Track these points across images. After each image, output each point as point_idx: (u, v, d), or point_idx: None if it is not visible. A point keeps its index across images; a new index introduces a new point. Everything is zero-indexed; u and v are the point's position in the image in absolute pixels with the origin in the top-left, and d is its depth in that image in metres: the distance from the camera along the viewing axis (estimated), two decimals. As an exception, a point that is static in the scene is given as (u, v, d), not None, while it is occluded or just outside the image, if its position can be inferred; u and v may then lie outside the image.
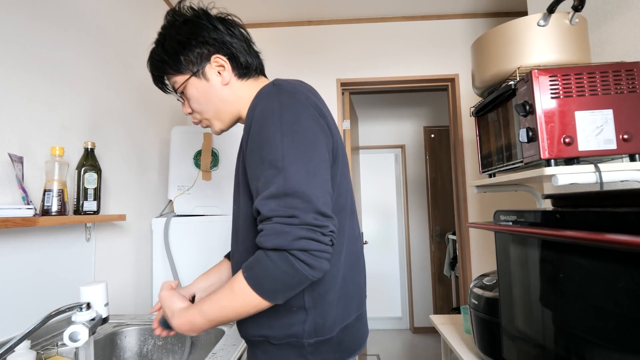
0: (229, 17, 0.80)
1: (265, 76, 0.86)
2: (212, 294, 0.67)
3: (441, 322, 1.40)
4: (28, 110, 1.07)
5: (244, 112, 0.80)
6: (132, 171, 1.62)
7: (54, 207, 1.05)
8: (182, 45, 0.76)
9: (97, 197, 1.21)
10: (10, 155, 0.98)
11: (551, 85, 0.94)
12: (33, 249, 1.06)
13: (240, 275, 0.62)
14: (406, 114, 4.01)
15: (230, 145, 1.70)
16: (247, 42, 0.81)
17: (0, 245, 0.96)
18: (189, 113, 0.83)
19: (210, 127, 0.83)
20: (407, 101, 3.99)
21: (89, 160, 1.20)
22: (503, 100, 1.13)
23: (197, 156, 1.69)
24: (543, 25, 1.05)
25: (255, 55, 0.82)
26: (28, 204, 0.98)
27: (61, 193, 1.07)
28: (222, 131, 0.84)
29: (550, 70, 0.95)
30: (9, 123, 1.01)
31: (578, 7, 1.00)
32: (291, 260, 0.58)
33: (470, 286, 1.11)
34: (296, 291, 0.62)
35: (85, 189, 1.19)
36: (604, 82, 0.93)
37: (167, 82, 0.83)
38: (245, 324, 0.73)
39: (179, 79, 0.79)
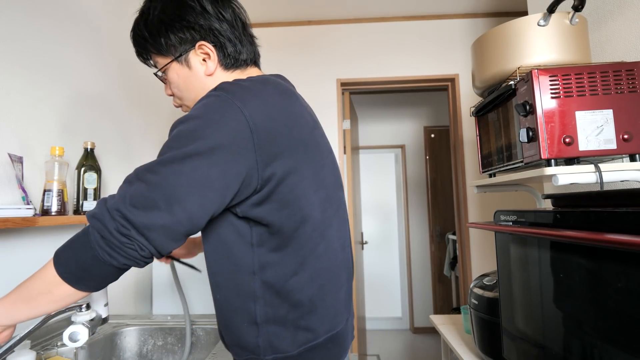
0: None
1: (257, 66, 0.78)
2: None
3: (441, 322, 1.40)
4: (28, 110, 1.07)
5: None
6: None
7: (54, 207, 1.05)
8: (164, 26, 0.68)
9: (97, 197, 1.21)
10: (10, 155, 0.98)
11: (551, 85, 0.94)
12: (33, 249, 1.06)
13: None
14: (406, 114, 4.00)
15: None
16: (241, 26, 0.73)
17: (0, 245, 0.96)
18: (170, 95, 0.77)
19: None
20: (407, 101, 3.99)
21: (89, 160, 1.20)
22: (503, 100, 1.13)
23: (197, 156, 1.69)
24: (543, 25, 1.05)
25: (248, 41, 0.74)
26: (28, 204, 0.98)
27: (61, 193, 1.07)
28: None
29: (551, 70, 0.95)
30: (9, 123, 1.01)
31: (578, 7, 1.00)
32: (88, 233, 0.54)
33: (470, 286, 1.11)
34: (94, 277, 0.55)
35: (85, 189, 1.19)
36: (604, 82, 0.93)
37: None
38: (224, 336, 0.71)
39: (161, 61, 0.72)
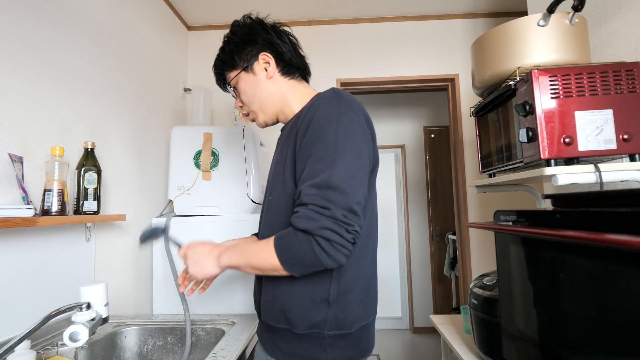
0: (282, 28, 0.93)
1: (308, 83, 0.95)
2: (249, 240, 0.81)
3: (441, 322, 1.40)
4: (28, 110, 1.07)
5: (286, 109, 0.90)
6: (132, 171, 1.61)
7: (54, 207, 1.05)
8: (236, 46, 0.89)
9: (97, 197, 1.21)
10: (10, 155, 0.98)
11: (551, 85, 0.94)
12: (33, 249, 1.06)
13: (272, 239, 0.74)
14: (406, 114, 4.00)
15: (230, 145, 1.70)
16: (295, 47, 0.93)
17: (0, 245, 0.96)
18: (240, 107, 0.94)
19: (255, 120, 0.94)
20: (407, 101, 3.99)
21: (89, 160, 1.20)
22: (503, 100, 1.13)
23: (197, 156, 1.69)
24: (543, 25, 1.05)
25: (301, 58, 0.93)
26: (28, 204, 0.98)
27: (61, 193, 1.07)
28: (266, 124, 0.94)
29: (550, 70, 0.95)
30: (9, 123, 1.01)
31: (578, 7, 1.00)
32: (313, 243, 0.68)
33: (470, 286, 1.11)
34: (310, 270, 0.72)
35: (85, 189, 1.19)
36: (604, 82, 0.93)
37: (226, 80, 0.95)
38: (269, 311, 0.81)
39: (232, 74, 0.91)
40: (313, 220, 0.67)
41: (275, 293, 0.80)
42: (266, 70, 0.89)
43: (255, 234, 1.02)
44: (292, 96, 0.89)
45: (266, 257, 0.73)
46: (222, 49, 0.92)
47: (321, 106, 0.77)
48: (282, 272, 0.73)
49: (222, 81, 0.95)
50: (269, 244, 0.74)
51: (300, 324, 0.76)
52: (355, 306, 0.78)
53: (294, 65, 0.91)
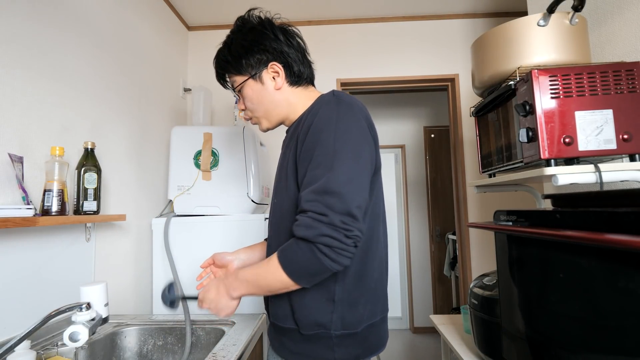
0: (290, 28, 0.89)
1: (314, 86, 0.94)
2: (252, 265, 0.79)
3: (441, 322, 1.40)
4: (28, 110, 1.07)
5: (291, 115, 0.89)
6: (132, 171, 1.61)
7: (54, 207, 1.05)
8: (245, 50, 0.85)
9: (97, 197, 1.21)
10: (10, 155, 0.98)
11: (551, 85, 0.94)
12: (33, 249, 1.06)
13: (275, 255, 0.74)
14: (406, 114, 4.00)
15: (230, 145, 1.70)
16: (303, 52, 0.90)
17: (0, 245, 0.96)
18: (242, 110, 0.94)
19: (258, 124, 0.93)
20: (407, 101, 3.99)
21: (89, 160, 1.20)
22: (503, 100, 1.13)
23: (197, 156, 1.69)
24: (543, 25, 1.05)
25: (308, 64, 0.91)
26: (28, 204, 0.98)
27: (61, 193, 1.07)
28: (268, 129, 0.93)
29: (550, 70, 0.95)
30: (9, 123, 1.01)
31: (578, 7, 1.00)
32: (315, 251, 0.68)
33: (470, 286, 1.11)
34: (318, 278, 0.72)
35: (85, 189, 1.19)
36: (604, 82, 0.93)
37: (227, 79, 0.92)
38: (277, 311, 0.82)
39: (238, 79, 0.88)
40: (312, 228, 0.68)
41: (282, 294, 0.80)
42: (274, 79, 0.87)
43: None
44: (299, 103, 0.89)
45: (273, 275, 0.73)
46: (228, 48, 0.88)
47: (320, 110, 0.77)
48: (292, 287, 0.73)
49: (223, 78, 0.93)
50: (273, 261, 0.74)
51: (307, 325, 0.77)
52: (361, 306, 0.79)
53: (302, 76, 0.89)
